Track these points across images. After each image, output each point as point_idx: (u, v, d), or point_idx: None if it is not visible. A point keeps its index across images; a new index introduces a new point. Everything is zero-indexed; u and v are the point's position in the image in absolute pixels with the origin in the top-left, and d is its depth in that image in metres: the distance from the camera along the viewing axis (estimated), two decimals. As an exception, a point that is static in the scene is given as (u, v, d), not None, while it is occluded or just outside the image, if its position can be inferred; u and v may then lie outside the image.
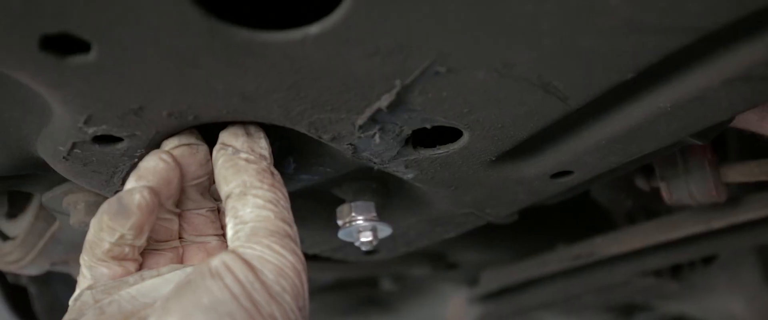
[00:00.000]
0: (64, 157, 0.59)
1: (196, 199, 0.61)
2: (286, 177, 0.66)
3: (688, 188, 0.79)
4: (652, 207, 1.07)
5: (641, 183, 0.88)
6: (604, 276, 1.09)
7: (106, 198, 0.66)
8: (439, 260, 1.25)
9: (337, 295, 1.40)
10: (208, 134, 0.60)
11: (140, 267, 0.58)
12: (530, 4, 0.43)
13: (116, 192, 0.66)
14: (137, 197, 0.54)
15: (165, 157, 0.56)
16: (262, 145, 0.59)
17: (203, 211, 0.62)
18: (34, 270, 0.93)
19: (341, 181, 0.75)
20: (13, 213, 0.89)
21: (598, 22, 0.45)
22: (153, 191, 0.55)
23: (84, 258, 0.56)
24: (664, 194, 0.82)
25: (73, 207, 0.73)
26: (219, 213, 0.64)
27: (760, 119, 0.68)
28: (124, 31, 0.43)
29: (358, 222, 0.72)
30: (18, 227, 0.88)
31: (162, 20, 0.42)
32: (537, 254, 1.17)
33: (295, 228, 0.55)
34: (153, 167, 0.56)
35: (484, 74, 0.50)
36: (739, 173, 0.79)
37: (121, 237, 0.54)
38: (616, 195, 1.05)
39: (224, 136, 0.58)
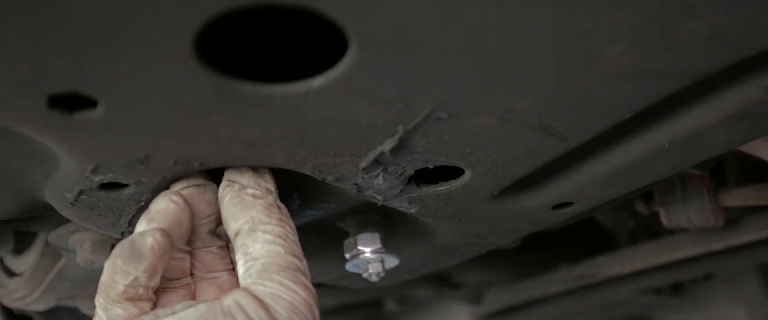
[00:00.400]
0: (70, 203, 0.60)
1: (205, 238, 0.61)
2: (291, 213, 0.67)
3: (687, 214, 0.80)
4: (653, 228, 1.08)
5: (641, 207, 0.89)
6: (607, 295, 1.10)
7: (111, 237, 0.67)
8: (443, 281, 1.25)
9: (342, 317, 1.40)
10: (215, 172, 0.61)
11: (154, 306, 0.59)
12: (529, 57, 0.44)
13: (123, 233, 0.67)
14: (149, 240, 0.54)
15: (175, 198, 0.57)
16: (268, 180, 0.59)
17: (213, 248, 0.62)
18: (40, 306, 0.94)
19: (345, 215, 0.75)
20: (18, 250, 0.89)
21: (595, 70, 0.46)
22: (165, 233, 0.55)
23: (99, 300, 0.57)
24: (663, 219, 0.83)
25: (80, 245, 0.74)
26: (227, 248, 0.65)
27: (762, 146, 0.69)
28: (131, 88, 0.44)
29: (366, 254, 0.73)
30: (24, 263, 0.89)
31: (168, 78, 0.43)
32: (540, 273, 1.18)
33: (304, 261, 0.56)
34: (164, 209, 0.56)
35: (485, 118, 0.51)
36: (737, 198, 0.80)
37: (135, 279, 0.55)
38: (618, 216, 1.05)
39: (230, 173, 0.59)
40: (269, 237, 0.55)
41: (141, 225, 0.56)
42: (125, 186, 0.57)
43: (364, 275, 0.76)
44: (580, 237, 1.21)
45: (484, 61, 0.44)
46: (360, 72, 0.44)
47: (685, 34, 0.43)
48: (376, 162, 0.56)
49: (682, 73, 0.47)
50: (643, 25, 0.41)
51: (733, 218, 0.88)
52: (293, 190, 0.68)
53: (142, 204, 0.60)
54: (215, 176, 0.61)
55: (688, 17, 0.41)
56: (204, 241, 0.61)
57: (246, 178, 0.58)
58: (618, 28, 0.42)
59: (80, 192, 0.58)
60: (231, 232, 0.57)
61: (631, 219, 1.06)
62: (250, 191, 0.57)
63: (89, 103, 0.45)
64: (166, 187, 0.59)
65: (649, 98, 0.50)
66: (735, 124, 0.55)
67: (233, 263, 0.64)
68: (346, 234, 0.79)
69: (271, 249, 0.54)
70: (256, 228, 0.55)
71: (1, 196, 0.62)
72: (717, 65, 0.47)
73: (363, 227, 0.75)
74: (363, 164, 0.56)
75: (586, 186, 0.66)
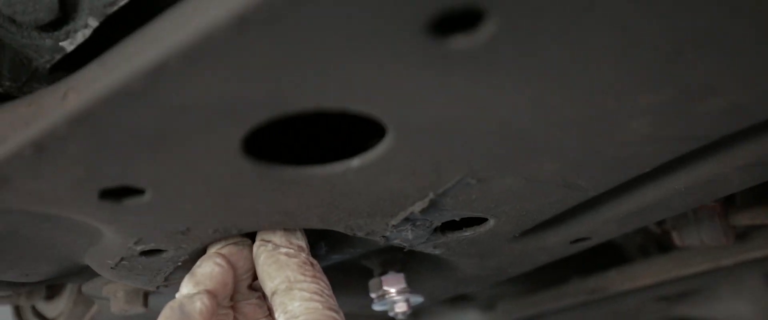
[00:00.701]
0: (111, 268, 0.62)
1: (244, 292, 0.64)
2: (318, 258, 0.69)
3: (699, 235, 0.83)
4: (662, 242, 1.11)
5: (653, 227, 0.91)
6: (617, 306, 1.13)
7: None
8: (456, 296, 1.28)
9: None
10: None
11: None
12: (556, 133, 0.46)
13: (158, 286, 0.69)
14: (198, 305, 0.56)
15: (219, 261, 0.58)
16: (299, 237, 0.62)
17: (252, 300, 0.64)
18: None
19: (369, 254, 0.78)
20: (50, 296, 0.92)
21: (618, 138, 0.48)
22: (211, 295, 0.57)
23: None
24: (676, 240, 0.86)
25: (113, 295, 0.76)
26: (264, 297, 0.67)
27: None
28: (179, 180, 0.46)
29: (391, 294, 0.76)
30: (56, 308, 0.91)
31: (215, 170, 0.45)
32: (551, 282, 1.20)
33: (341, 313, 0.59)
34: (210, 272, 0.58)
35: (512, 181, 0.53)
36: (746, 217, 0.83)
37: None
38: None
39: (263, 233, 0.61)
40: (306, 294, 0.57)
41: (187, 288, 0.58)
42: (165, 251, 0.60)
43: (390, 313, 0.78)
44: (590, 250, 1.23)
45: (513, 138, 0.46)
46: (396, 153, 0.46)
47: (705, 108, 0.45)
48: (406, 219, 0.58)
49: (701, 137, 0.50)
50: (665, 103, 0.44)
51: (742, 233, 0.91)
52: (321, 238, 0.70)
53: (180, 264, 0.63)
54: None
55: (709, 95, 0.43)
56: (244, 295, 0.64)
57: (278, 237, 0.60)
58: (642, 107, 0.44)
59: (122, 259, 0.60)
60: (268, 291, 0.59)
61: (642, 234, 1.09)
62: (283, 250, 0.59)
63: (137, 191, 0.47)
64: (204, 249, 0.61)
65: (668, 156, 0.53)
66: (750, 170, 0.57)
67: (270, 310, 0.66)
68: (368, 270, 0.81)
69: (309, 306, 0.57)
70: (292, 287, 0.57)
71: (43, 264, 0.64)
72: (734, 129, 0.49)
73: (387, 266, 0.78)
74: (393, 222, 0.59)
75: (603, 224, 0.69)
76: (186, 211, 0.51)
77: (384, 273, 0.77)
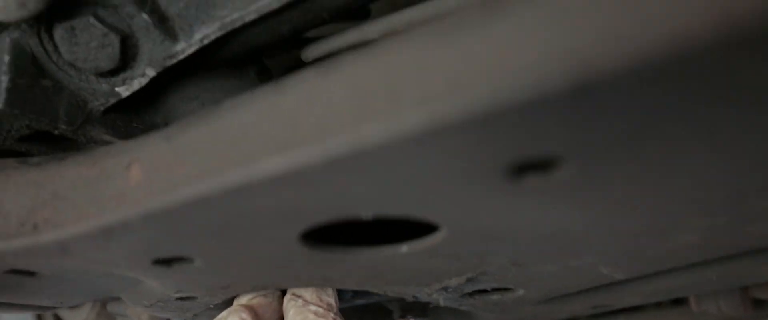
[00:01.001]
0: (146, 306, 0.63)
1: None
2: (343, 301, 0.70)
3: (717, 304, 0.83)
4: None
5: (670, 286, 0.92)
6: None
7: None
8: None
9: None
10: None
11: None
12: (605, 240, 0.47)
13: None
14: None
15: (245, 316, 0.59)
16: (330, 293, 0.63)
17: None
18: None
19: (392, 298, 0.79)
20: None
21: (665, 246, 0.49)
22: None
23: None
24: (693, 305, 0.87)
25: (137, 317, 0.77)
26: None
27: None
28: (232, 255, 0.47)
29: (410, 342, 0.77)
30: (78, 317, 0.92)
31: (271, 252, 0.46)
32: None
33: None
34: None
35: (550, 267, 0.54)
36: (766, 292, 0.83)
37: None
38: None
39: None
40: None
41: None
42: (200, 297, 0.61)
43: (409, 359, 0.79)
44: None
45: (561, 241, 0.47)
46: (445, 246, 0.47)
47: (754, 229, 0.46)
48: (440, 288, 0.59)
49: (745, 247, 0.50)
50: (718, 225, 0.44)
51: (759, 301, 0.92)
52: (348, 284, 0.71)
53: (211, 307, 0.64)
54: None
55: (760, 220, 0.44)
56: None
57: (309, 294, 0.61)
58: (694, 226, 0.44)
59: (158, 301, 0.61)
60: None
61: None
62: (312, 308, 0.60)
63: (188, 259, 0.48)
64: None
65: (708, 257, 0.53)
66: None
67: None
68: (386, 309, 0.83)
69: None
70: None
71: (80, 296, 0.65)
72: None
73: (408, 310, 0.79)
74: (427, 291, 0.59)
75: (628, 297, 0.70)
76: (231, 274, 0.52)
77: (403, 316, 0.78)
